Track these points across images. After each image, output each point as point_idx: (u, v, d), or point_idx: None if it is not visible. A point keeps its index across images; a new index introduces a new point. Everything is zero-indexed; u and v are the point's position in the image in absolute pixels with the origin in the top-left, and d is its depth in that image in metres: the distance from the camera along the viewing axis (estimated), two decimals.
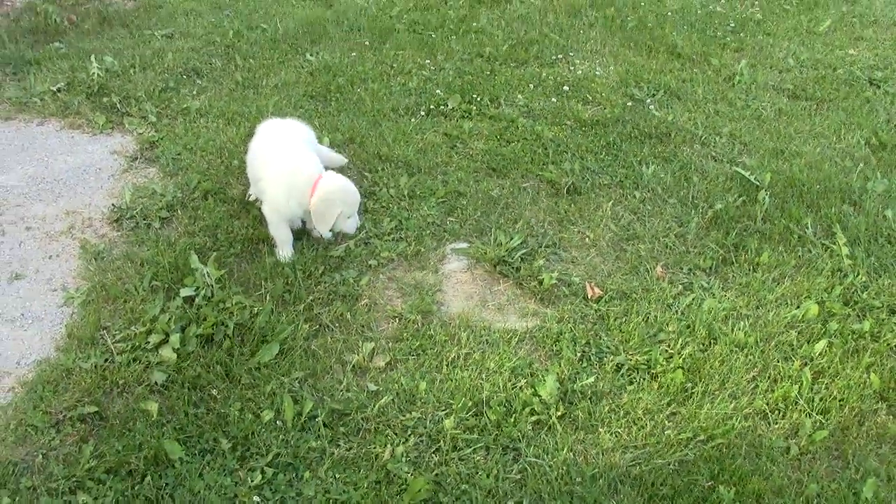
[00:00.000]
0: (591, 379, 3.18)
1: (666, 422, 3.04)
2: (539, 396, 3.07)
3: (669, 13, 7.53)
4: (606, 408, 3.08)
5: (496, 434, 2.94)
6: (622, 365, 3.29)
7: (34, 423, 2.87)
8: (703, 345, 3.41)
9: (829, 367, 3.33)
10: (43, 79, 5.41)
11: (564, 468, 2.82)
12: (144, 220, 4.02)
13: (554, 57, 6.33)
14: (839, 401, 3.18)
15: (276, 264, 3.70)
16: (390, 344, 3.35)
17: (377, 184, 4.39)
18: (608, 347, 3.38)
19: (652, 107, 5.57)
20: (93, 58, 5.47)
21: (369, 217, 4.09)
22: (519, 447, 2.90)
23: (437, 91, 5.54)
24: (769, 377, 3.28)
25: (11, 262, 3.75)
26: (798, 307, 3.64)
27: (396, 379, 3.15)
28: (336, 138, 4.78)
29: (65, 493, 2.64)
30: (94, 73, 5.33)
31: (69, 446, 2.81)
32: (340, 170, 4.20)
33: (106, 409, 2.96)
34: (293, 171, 3.66)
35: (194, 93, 5.40)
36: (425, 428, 2.94)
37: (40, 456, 2.77)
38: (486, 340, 3.39)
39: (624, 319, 3.53)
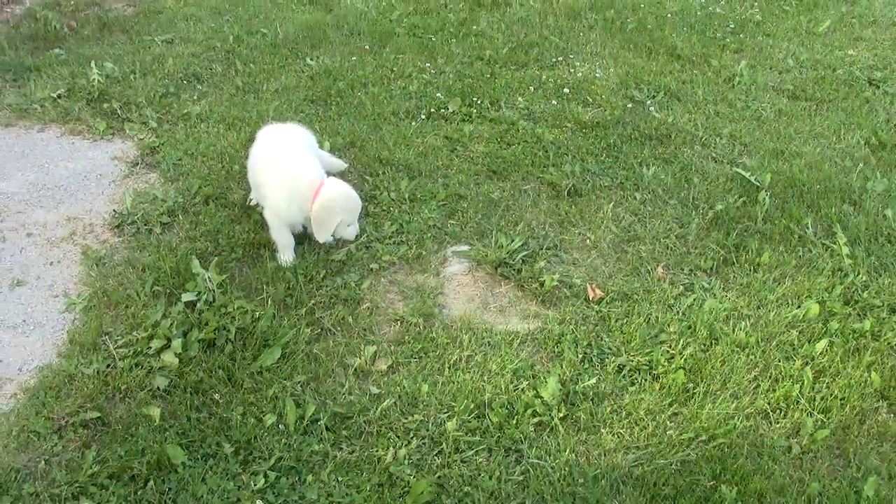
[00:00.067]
0: (593, 380, 3.19)
1: (668, 422, 3.04)
2: (541, 398, 3.07)
3: (669, 15, 7.54)
4: (608, 409, 3.08)
5: (498, 436, 2.94)
6: (624, 366, 3.29)
7: (36, 429, 2.87)
8: (705, 345, 3.41)
9: (829, 367, 3.33)
10: (43, 85, 5.42)
11: (567, 469, 2.82)
12: (146, 225, 4.03)
13: (554, 59, 6.34)
14: (840, 400, 3.18)
15: (278, 269, 3.70)
16: (392, 347, 3.35)
17: (378, 187, 4.40)
18: (610, 348, 3.38)
19: (652, 108, 5.57)
20: (93, 64, 5.48)
21: (370, 221, 4.10)
22: (521, 449, 2.90)
23: (438, 94, 5.55)
24: (770, 377, 3.28)
25: (13, 269, 3.76)
26: (799, 307, 3.64)
27: (398, 382, 3.15)
28: (337, 142, 4.79)
29: (67, 498, 2.65)
30: (94, 79, 5.34)
31: (72, 452, 2.81)
32: (341, 175, 4.21)
33: (108, 414, 2.96)
34: (295, 175, 3.67)
35: (195, 98, 5.41)
36: (427, 430, 2.95)
37: (43, 462, 2.78)
38: (488, 343, 3.39)
39: (625, 320, 3.53)
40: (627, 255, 4.01)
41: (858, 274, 3.85)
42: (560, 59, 6.36)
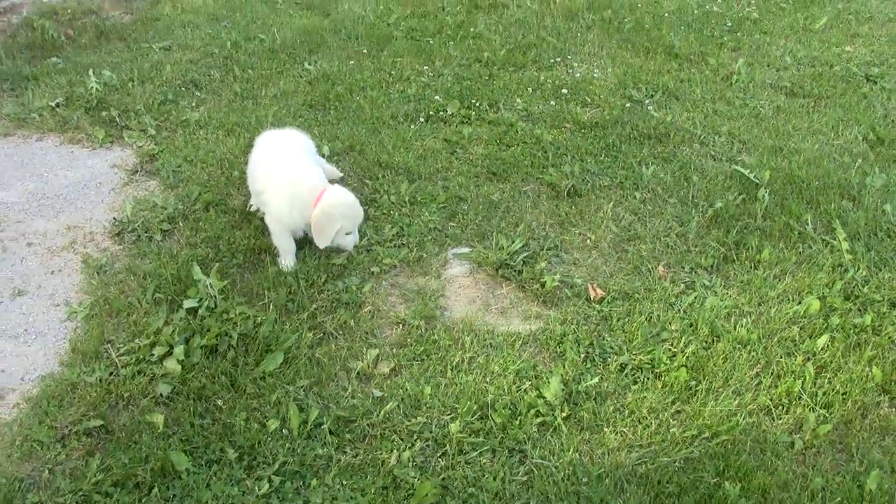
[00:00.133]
0: (596, 379, 3.19)
1: (671, 420, 3.04)
2: (544, 398, 3.07)
3: (666, 14, 7.54)
4: (611, 408, 3.08)
5: (502, 437, 2.94)
6: (626, 365, 3.29)
7: (40, 438, 2.88)
8: (706, 343, 3.42)
9: (831, 362, 3.34)
10: (41, 94, 5.42)
11: (570, 469, 2.82)
12: (146, 232, 4.03)
13: (552, 60, 6.34)
14: (842, 395, 3.18)
15: (279, 274, 3.71)
16: (394, 350, 3.36)
17: (378, 191, 4.41)
18: (612, 348, 3.38)
19: (650, 107, 5.58)
20: (91, 72, 5.49)
21: (371, 224, 4.10)
22: (525, 449, 2.91)
23: (436, 97, 5.56)
24: (772, 373, 3.29)
25: (13, 279, 3.76)
26: (800, 303, 3.64)
27: (401, 384, 3.16)
28: (336, 146, 4.80)
29: None
30: (92, 88, 5.35)
31: (75, 460, 2.81)
32: (341, 179, 4.22)
33: (112, 422, 2.96)
34: (296, 181, 3.67)
35: (193, 105, 5.42)
36: (431, 432, 2.95)
37: (47, 471, 2.78)
38: (490, 344, 3.39)
39: (627, 319, 3.54)
40: (628, 254, 4.02)
41: (858, 269, 3.86)
42: (558, 59, 6.37)
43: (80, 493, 2.68)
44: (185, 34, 6.65)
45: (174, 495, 2.70)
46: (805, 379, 3.23)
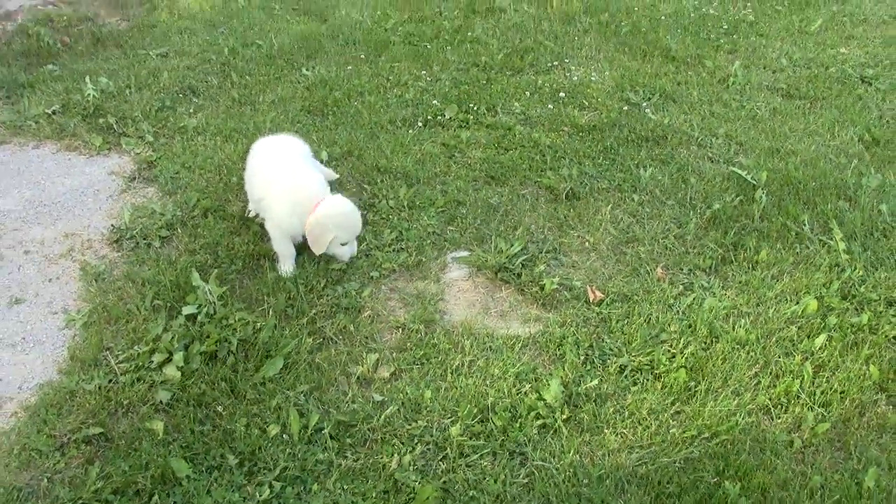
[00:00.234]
0: (595, 381, 3.20)
1: (670, 421, 3.05)
2: (544, 400, 3.08)
3: (663, 17, 7.57)
4: (611, 409, 3.09)
5: (502, 439, 2.94)
6: (625, 366, 3.30)
7: (38, 446, 2.87)
8: (705, 343, 3.42)
9: (829, 361, 3.34)
10: (37, 101, 5.42)
11: (571, 470, 2.82)
12: (144, 239, 4.03)
13: (549, 64, 6.36)
14: (840, 393, 3.19)
15: (278, 279, 3.71)
16: (394, 354, 3.36)
17: (377, 195, 4.41)
18: (611, 349, 3.39)
19: (648, 110, 5.59)
20: (87, 79, 5.49)
21: (370, 229, 4.11)
22: (525, 451, 2.91)
23: (434, 101, 5.57)
24: (771, 373, 3.29)
25: (11, 287, 3.75)
26: (797, 303, 3.65)
27: (401, 388, 3.16)
28: (334, 152, 4.80)
29: None
30: (89, 95, 5.35)
31: (75, 469, 2.81)
32: (339, 184, 4.22)
33: (111, 429, 2.96)
34: (297, 188, 3.67)
35: (191, 111, 5.42)
36: (432, 436, 2.95)
37: (45, 480, 2.77)
38: (490, 347, 3.39)
39: (626, 321, 3.54)
40: (626, 256, 4.02)
41: (855, 269, 3.87)
42: (555, 63, 6.38)
43: (80, 502, 2.67)
44: (182, 40, 6.66)
45: (175, 502, 2.69)
46: (803, 378, 3.23)
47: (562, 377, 3.20)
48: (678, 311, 3.61)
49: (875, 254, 4.02)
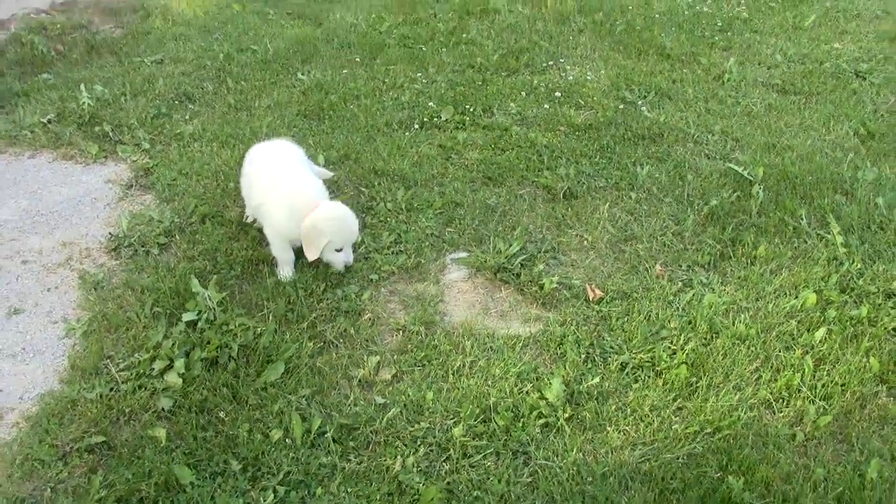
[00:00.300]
0: (597, 379, 3.20)
1: (672, 417, 3.05)
2: (546, 399, 3.08)
3: (657, 15, 7.59)
4: (613, 407, 3.09)
5: (505, 439, 2.94)
6: (626, 364, 3.30)
7: (41, 457, 2.85)
8: (706, 339, 3.42)
9: (829, 354, 3.35)
10: (32, 110, 5.41)
11: (575, 469, 2.82)
12: (143, 247, 4.02)
13: (544, 64, 6.37)
14: (841, 386, 3.20)
15: (278, 284, 3.71)
16: (395, 356, 3.36)
17: (374, 198, 4.41)
18: (612, 347, 3.39)
19: (644, 108, 5.60)
20: (82, 87, 5.49)
21: (368, 232, 4.11)
22: (528, 451, 2.91)
23: (430, 104, 5.57)
24: (772, 367, 3.30)
25: (9, 297, 3.74)
26: (796, 297, 3.66)
27: (403, 391, 3.15)
28: (331, 155, 4.80)
29: None
30: (84, 103, 5.34)
31: (78, 478, 2.80)
32: (337, 187, 4.22)
33: (113, 438, 2.95)
34: (294, 193, 3.67)
35: (187, 117, 5.42)
36: (434, 437, 2.95)
37: (49, 490, 2.76)
38: (491, 347, 3.40)
39: (626, 319, 3.54)
40: (625, 254, 4.03)
41: (853, 262, 3.88)
42: (550, 63, 6.39)
43: None
44: (177, 47, 6.67)
45: None
46: (804, 372, 3.24)
47: (563, 376, 3.20)
48: (678, 308, 3.61)
49: (873, 246, 4.03)
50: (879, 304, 3.64)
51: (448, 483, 2.78)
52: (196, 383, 3.14)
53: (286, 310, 3.56)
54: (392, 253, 3.99)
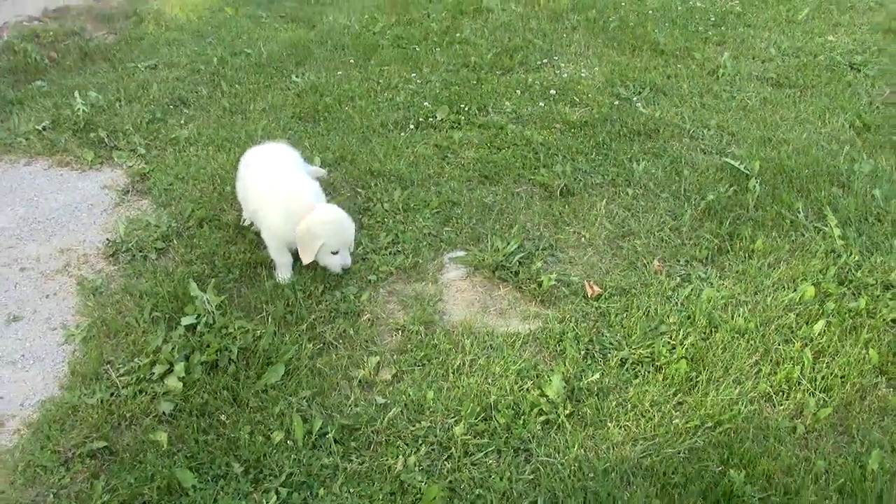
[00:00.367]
0: (597, 375, 3.20)
1: (673, 412, 3.05)
2: (546, 396, 3.08)
3: (650, 11, 7.60)
4: (613, 402, 3.09)
5: (506, 437, 2.95)
6: (626, 359, 3.30)
7: (43, 463, 2.85)
8: (705, 334, 3.43)
9: (828, 346, 3.36)
10: (27, 118, 5.40)
11: (576, 465, 2.83)
12: (140, 252, 4.02)
13: (539, 62, 6.37)
14: (840, 378, 3.21)
15: (276, 286, 3.71)
16: (395, 356, 3.36)
17: (371, 199, 4.41)
18: (611, 343, 3.39)
19: (639, 104, 5.60)
20: (77, 94, 5.47)
21: (365, 233, 4.11)
22: (530, 448, 2.91)
23: (425, 103, 5.57)
24: (771, 360, 3.31)
25: (8, 305, 3.74)
26: (795, 290, 3.66)
27: (404, 390, 3.16)
28: (327, 157, 4.80)
29: None
30: (79, 109, 5.33)
31: (80, 483, 2.80)
32: (333, 189, 4.21)
33: (115, 443, 2.95)
34: (290, 196, 3.66)
35: (182, 122, 5.41)
36: (436, 436, 2.95)
37: (51, 496, 2.76)
38: (490, 345, 3.40)
39: (625, 315, 3.55)
40: (623, 250, 4.03)
41: (851, 254, 3.88)
42: (545, 61, 6.40)
43: None
44: (171, 52, 6.66)
45: None
46: (804, 364, 3.25)
47: (563, 372, 3.20)
48: (677, 303, 3.62)
49: (870, 238, 4.04)
50: (878, 296, 3.65)
51: (450, 481, 2.78)
52: (196, 387, 3.14)
53: (285, 312, 3.56)
54: (390, 253, 3.99)
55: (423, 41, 6.83)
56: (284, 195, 3.66)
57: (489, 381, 3.19)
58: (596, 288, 3.71)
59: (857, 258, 3.86)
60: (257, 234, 3.94)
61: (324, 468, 2.84)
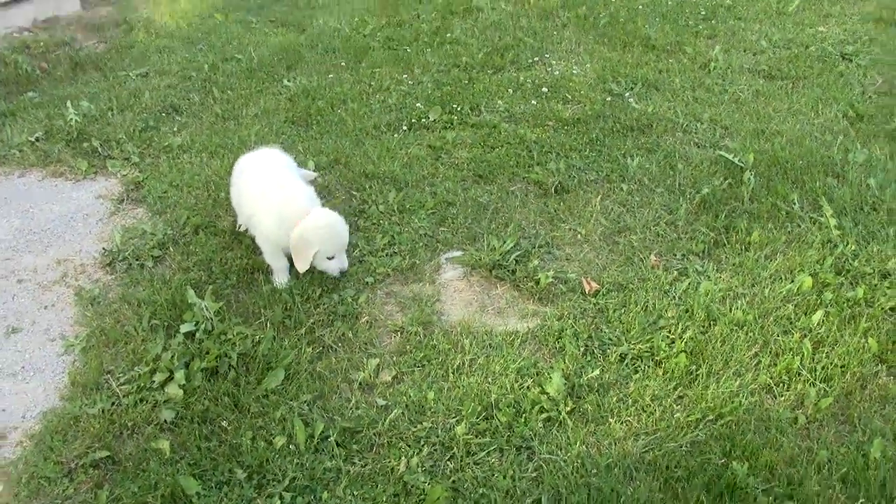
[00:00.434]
0: (597, 371, 3.20)
1: (674, 406, 3.06)
2: (547, 394, 3.08)
3: (640, 6, 7.61)
4: (614, 398, 3.10)
5: (508, 435, 2.95)
6: (626, 355, 3.31)
7: (46, 474, 2.85)
8: (703, 327, 3.44)
9: (827, 336, 3.36)
10: (20, 129, 5.38)
11: (579, 461, 2.83)
12: (137, 260, 4.01)
13: (530, 60, 6.38)
14: (840, 367, 3.22)
15: (274, 291, 3.70)
16: (395, 358, 3.36)
17: (366, 201, 4.41)
18: (610, 339, 3.40)
19: (631, 100, 5.61)
20: (69, 104, 5.46)
21: (361, 235, 4.11)
22: (532, 446, 2.91)
23: (418, 104, 5.58)
24: (771, 352, 3.31)
25: (7, 317, 3.73)
26: (792, 281, 3.67)
27: (404, 392, 3.16)
28: (321, 160, 4.80)
29: None
30: (71, 119, 5.32)
31: (84, 494, 2.79)
32: (328, 192, 4.21)
33: (118, 452, 2.94)
34: (284, 202, 3.65)
35: (175, 129, 5.41)
36: (437, 436, 2.95)
37: None
38: (489, 344, 3.40)
39: (623, 310, 3.55)
40: (619, 245, 4.04)
41: (847, 244, 3.89)
42: (536, 59, 6.40)
43: None
44: (162, 59, 6.65)
45: None
46: (803, 355, 3.25)
47: (563, 370, 3.21)
48: (674, 297, 3.62)
49: (866, 228, 4.05)
50: (875, 285, 3.66)
51: (453, 482, 2.79)
52: (197, 394, 3.14)
53: (283, 316, 3.56)
54: (386, 255, 3.99)
55: (414, 42, 6.83)
56: (278, 200, 3.65)
57: (489, 380, 3.19)
58: (593, 284, 3.72)
59: (853, 248, 3.87)
60: (253, 239, 3.93)
61: (327, 472, 2.83)
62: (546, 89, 5.78)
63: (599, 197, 4.40)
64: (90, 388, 3.23)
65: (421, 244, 4.07)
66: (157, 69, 6.46)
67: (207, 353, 3.26)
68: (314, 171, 4.55)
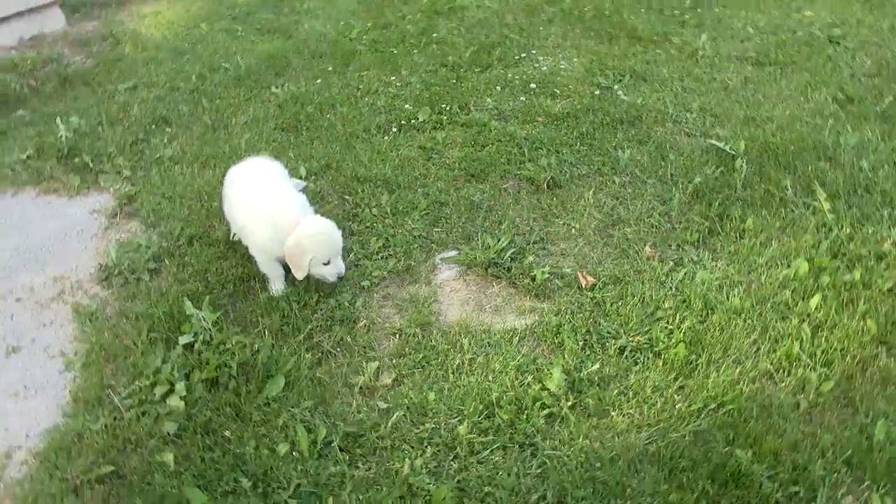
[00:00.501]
0: (597, 365, 3.21)
1: (675, 396, 3.06)
2: (548, 390, 3.09)
3: None
4: (615, 391, 3.10)
5: (511, 433, 2.95)
6: (625, 347, 3.31)
7: (52, 492, 2.84)
8: (701, 316, 3.44)
9: (826, 320, 3.37)
10: (10, 148, 5.36)
11: (583, 456, 2.83)
12: (133, 274, 4.01)
13: (517, 57, 6.38)
14: (840, 351, 3.22)
15: (271, 299, 3.70)
16: (394, 360, 3.36)
17: (359, 205, 4.41)
18: (608, 332, 3.40)
19: (620, 92, 5.62)
20: (58, 120, 5.44)
21: (356, 239, 4.11)
22: (535, 442, 2.92)
23: (406, 106, 5.58)
24: (770, 338, 3.32)
25: (6, 336, 3.72)
26: (788, 266, 3.68)
27: (405, 394, 3.16)
28: (312, 166, 4.80)
29: None
30: (61, 136, 5.30)
31: None
32: (320, 197, 4.21)
33: (122, 466, 2.94)
34: (276, 212, 3.63)
35: (165, 141, 5.39)
36: (440, 437, 2.95)
37: None
38: (488, 343, 3.40)
39: (620, 303, 3.56)
40: (614, 238, 4.04)
41: (842, 227, 3.90)
42: (523, 55, 6.40)
43: None
44: (149, 71, 6.63)
45: None
46: (802, 340, 3.26)
47: (563, 365, 3.21)
48: (671, 288, 3.63)
49: (860, 210, 4.06)
50: (871, 267, 3.67)
51: (458, 481, 2.79)
52: (199, 405, 3.14)
53: (281, 324, 3.56)
54: (381, 258, 3.99)
55: (401, 44, 6.83)
56: (271, 210, 3.64)
57: (489, 378, 3.20)
58: (589, 278, 3.72)
59: (848, 231, 3.88)
60: (248, 248, 3.93)
61: (331, 477, 2.84)
62: (534, 85, 5.79)
63: (592, 191, 4.41)
64: (92, 403, 3.22)
65: (415, 245, 4.07)
66: (145, 81, 6.44)
67: (207, 363, 3.26)
68: (304, 177, 4.55)
